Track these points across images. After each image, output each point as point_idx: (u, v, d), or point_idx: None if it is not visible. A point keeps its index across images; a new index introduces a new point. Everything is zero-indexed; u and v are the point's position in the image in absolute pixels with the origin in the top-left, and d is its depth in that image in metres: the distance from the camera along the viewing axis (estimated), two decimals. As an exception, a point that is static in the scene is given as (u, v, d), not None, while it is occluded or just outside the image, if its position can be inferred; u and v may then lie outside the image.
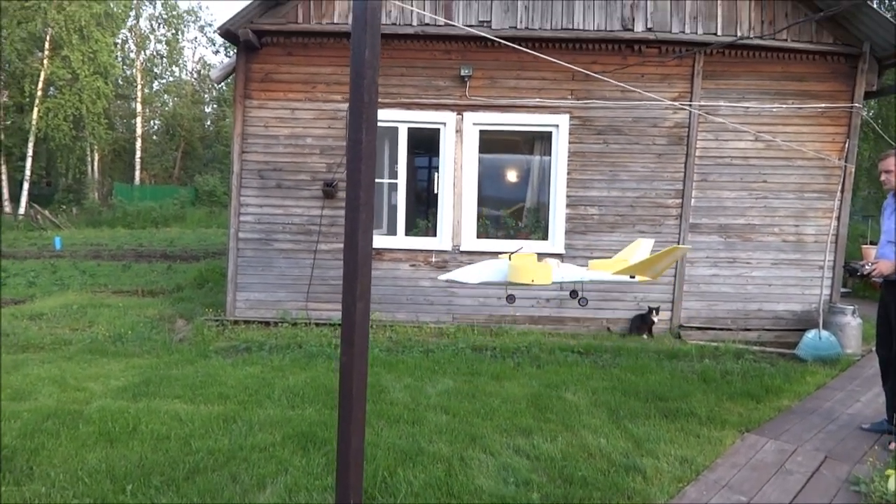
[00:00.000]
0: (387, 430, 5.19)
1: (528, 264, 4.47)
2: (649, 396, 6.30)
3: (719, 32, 8.86)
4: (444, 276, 4.96)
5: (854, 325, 8.45)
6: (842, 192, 9.05)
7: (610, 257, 8.96)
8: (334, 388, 6.14)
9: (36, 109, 31.17)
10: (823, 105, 8.95)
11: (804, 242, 9.17)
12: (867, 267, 5.13)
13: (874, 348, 5.83)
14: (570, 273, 4.78)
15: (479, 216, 9.43)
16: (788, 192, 9.13)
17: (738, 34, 8.84)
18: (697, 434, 5.28)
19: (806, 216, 9.15)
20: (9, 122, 32.94)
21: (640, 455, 4.81)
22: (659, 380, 6.88)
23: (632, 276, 4.76)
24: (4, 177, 32.76)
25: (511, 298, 5.96)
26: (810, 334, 8.25)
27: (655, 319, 8.94)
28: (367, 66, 2.23)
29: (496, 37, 8.36)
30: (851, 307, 8.60)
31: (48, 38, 31.49)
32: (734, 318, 9.22)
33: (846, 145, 8.98)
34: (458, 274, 4.89)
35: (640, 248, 5.06)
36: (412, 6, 8.83)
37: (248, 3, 8.65)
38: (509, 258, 4.53)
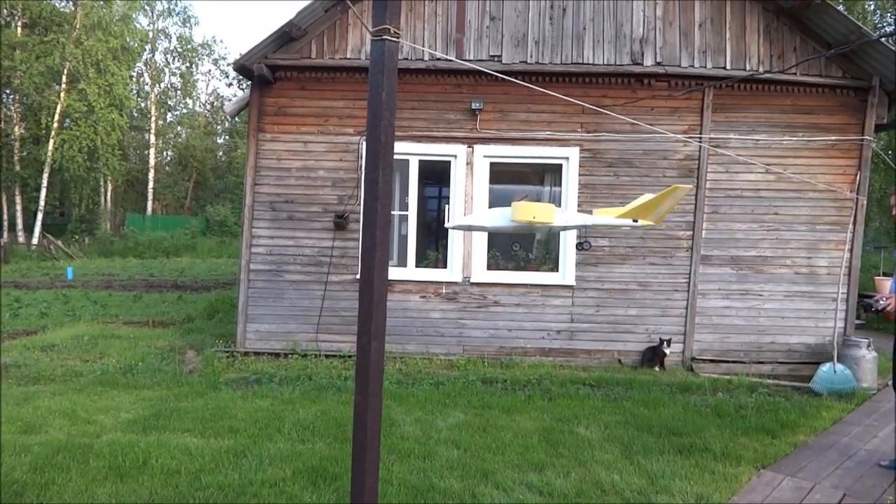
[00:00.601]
0: (398, 466, 5.15)
1: (530, 204, 4.49)
2: (663, 431, 6.22)
3: (728, 66, 8.93)
4: (450, 224, 4.97)
5: (869, 358, 8.34)
6: (854, 223, 9.02)
7: (622, 290, 8.99)
8: (345, 421, 6.12)
9: (52, 141, 31.66)
10: (834, 138, 8.97)
11: (817, 274, 9.12)
12: (882, 302, 5.10)
13: (890, 382, 5.76)
14: (574, 218, 4.80)
15: (489, 247, 9.44)
16: (800, 223, 9.10)
17: (748, 68, 8.91)
18: (712, 470, 5.20)
19: (818, 248, 9.11)
20: (25, 154, 33.43)
21: (655, 492, 4.74)
22: (672, 414, 6.81)
23: (635, 220, 4.75)
24: (19, 207, 33.16)
25: (516, 245, 6.01)
26: (825, 368, 8.16)
27: (667, 352, 8.87)
28: (385, 108, 2.26)
29: (507, 71, 8.50)
30: (866, 340, 8.50)
31: (65, 71, 32.11)
32: (747, 351, 9.14)
33: (857, 177, 8.97)
34: (467, 219, 4.92)
35: (644, 199, 5.10)
36: (424, 45, 8.97)
37: (263, 38, 8.81)
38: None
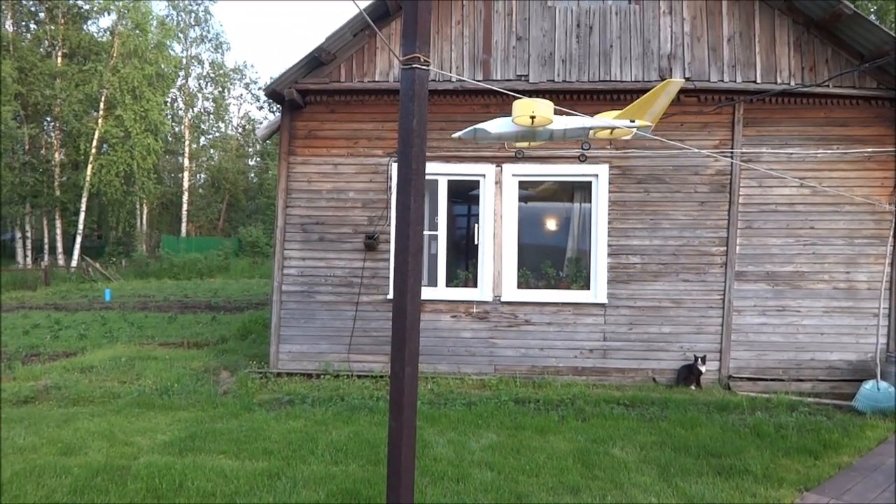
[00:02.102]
0: (431, 488, 5.13)
1: (529, 100, 4.68)
2: (700, 452, 6.10)
3: (759, 80, 8.84)
4: (457, 134, 5.15)
5: (914, 375, 8.10)
6: (894, 237, 8.80)
7: (655, 307, 8.90)
8: (378, 442, 6.12)
9: (90, 166, 32.54)
10: (870, 149, 8.80)
11: (856, 289, 8.91)
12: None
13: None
14: (574, 120, 4.95)
15: (520, 266, 9.41)
16: (837, 238, 8.92)
17: (778, 81, 8.81)
18: (753, 493, 5.09)
19: (857, 262, 8.91)
20: (64, 179, 34.37)
21: (694, 516, 4.64)
22: (710, 434, 6.67)
23: (632, 121, 4.85)
24: (59, 231, 34.03)
25: (519, 152, 6.15)
26: (868, 385, 7.93)
27: (703, 369, 8.71)
28: (416, 136, 2.28)
29: (534, 90, 8.53)
30: (910, 357, 8.27)
31: (103, 98, 33.04)
32: (786, 369, 8.94)
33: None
34: (474, 126, 5.13)
35: None
36: (452, 67, 9.04)
37: (293, 64, 8.97)
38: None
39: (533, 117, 4.84)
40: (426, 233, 9.58)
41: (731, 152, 8.89)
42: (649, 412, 7.59)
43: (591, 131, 5.21)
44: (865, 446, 6.39)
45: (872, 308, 8.83)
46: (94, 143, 32.79)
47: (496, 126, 5.16)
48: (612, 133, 5.39)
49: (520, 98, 5.06)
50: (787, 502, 4.93)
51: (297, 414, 7.34)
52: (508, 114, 8.99)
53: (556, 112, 5.03)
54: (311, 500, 4.81)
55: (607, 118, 5.05)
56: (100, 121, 33.03)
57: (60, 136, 34.10)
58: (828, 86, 8.70)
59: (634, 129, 5.14)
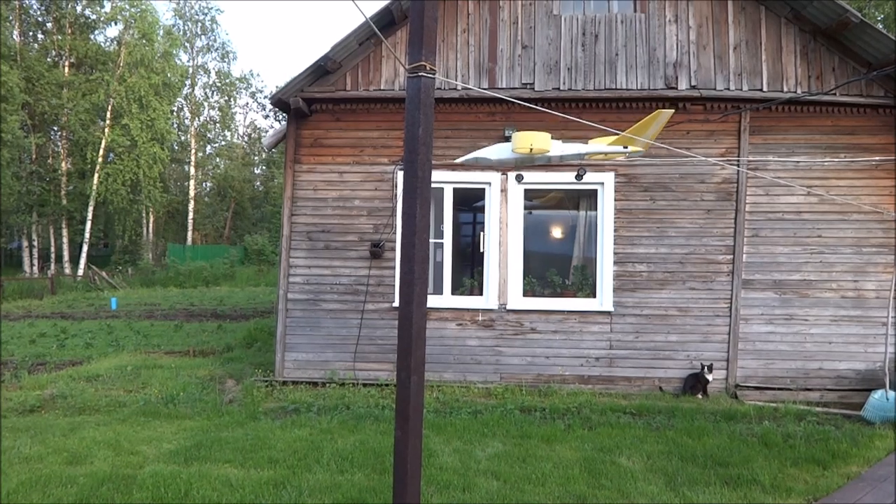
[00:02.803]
0: (437, 497, 5.10)
1: (528, 133, 4.94)
2: (708, 461, 6.06)
3: (765, 88, 8.82)
4: (461, 159, 5.32)
5: (923, 384, 8.03)
6: (902, 245, 8.76)
7: (662, 315, 8.89)
8: (383, 451, 6.10)
9: (96, 175, 32.71)
10: (878, 158, 8.76)
11: (865, 298, 8.86)
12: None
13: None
14: (570, 147, 5.10)
15: (525, 274, 9.40)
16: (845, 246, 8.87)
17: (785, 89, 8.80)
18: (761, 503, 5.04)
19: (865, 271, 8.86)
20: (71, 188, 34.56)
21: (702, 527, 4.60)
22: (717, 443, 6.62)
23: (625, 147, 4.97)
24: (66, 240, 34.19)
25: (519, 178, 6.33)
26: (877, 395, 7.87)
27: (710, 377, 8.66)
28: (421, 144, 2.28)
29: (539, 98, 8.55)
30: (919, 366, 8.20)
31: (110, 107, 33.26)
32: (793, 378, 8.88)
33: (904, 198, 8.73)
34: (472, 154, 5.29)
35: None
36: (458, 75, 9.06)
37: (299, 73, 9.00)
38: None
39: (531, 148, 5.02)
40: (432, 241, 9.58)
41: (738, 160, 8.87)
42: (656, 421, 7.54)
43: (586, 155, 5.35)
44: (874, 456, 6.33)
45: (881, 317, 8.77)
46: (101, 152, 32.98)
47: (496, 153, 5.38)
48: (605, 157, 5.51)
49: (526, 105, 5.13)
50: (797, 513, 4.88)
51: (302, 422, 7.32)
52: (514, 122, 9.08)
53: (554, 131, 5.16)
54: (317, 510, 4.79)
55: (602, 144, 5.24)
56: (106, 130, 33.24)
57: (67, 146, 34.32)
58: (835, 94, 8.68)
59: (627, 153, 5.27)
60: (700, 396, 8.64)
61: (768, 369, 8.93)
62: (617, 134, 5.60)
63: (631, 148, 4.98)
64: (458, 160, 5.61)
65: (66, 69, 33.58)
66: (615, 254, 9.08)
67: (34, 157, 32.85)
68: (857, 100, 8.72)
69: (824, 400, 8.67)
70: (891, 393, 7.82)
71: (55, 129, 34.69)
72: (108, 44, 36.70)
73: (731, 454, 6.26)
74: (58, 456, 6.01)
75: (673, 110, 5.31)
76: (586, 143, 5.40)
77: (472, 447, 6.46)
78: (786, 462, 6.06)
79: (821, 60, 8.81)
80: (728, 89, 8.88)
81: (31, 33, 34.49)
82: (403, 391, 2.42)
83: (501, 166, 6.27)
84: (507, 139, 9.00)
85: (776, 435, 6.89)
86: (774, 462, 6.05)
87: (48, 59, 33.49)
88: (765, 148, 8.96)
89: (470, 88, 8.56)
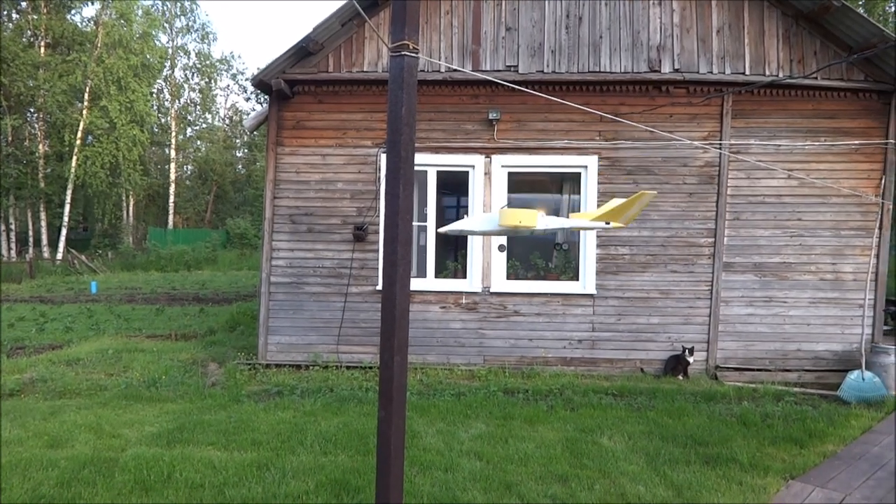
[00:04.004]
0: (420, 478, 5.13)
1: (516, 210, 4.91)
2: (688, 441, 6.15)
3: (748, 72, 8.86)
4: (443, 229, 5.40)
5: (898, 365, 8.19)
6: (880, 228, 8.88)
7: (644, 298, 8.97)
8: (367, 433, 6.12)
9: (75, 158, 32.22)
10: (857, 142, 8.85)
11: (842, 281, 8.98)
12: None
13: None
14: (554, 222, 5.21)
15: (509, 257, 9.42)
16: (824, 229, 8.98)
17: (767, 73, 8.84)
18: (740, 481, 5.13)
19: (843, 254, 8.97)
20: (49, 171, 34.03)
21: (682, 504, 4.68)
22: (697, 423, 6.72)
23: (607, 223, 5.08)
24: (44, 223, 33.72)
25: (502, 248, 6.50)
26: (853, 375, 8.01)
27: (691, 360, 8.77)
28: (404, 123, 2.27)
29: (523, 81, 8.52)
30: (895, 346, 8.35)
31: (87, 89, 32.70)
32: (772, 359, 9.01)
33: (882, 181, 8.84)
34: (458, 224, 5.34)
35: (613, 204, 5.43)
36: (441, 57, 9.00)
37: (280, 54, 8.90)
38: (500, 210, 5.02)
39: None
40: (415, 224, 9.56)
41: (720, 144, 8.92)
42: (637, 402, 7.63)
43: (570, 228, 5.46)
44: (850, 435, 6.46)
45: (858, 299, 8.91)
46: (79, 134, 32.48)
47: (481, 224, 5.44)
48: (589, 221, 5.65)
49: (510, 87, 5.11)
50: (773, 490, 4.97)
51: (285, 405, 7.32)
52: (497, 105, 9.06)
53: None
54: (301, 491, 4.81)
55: (585, 220, 5.35)
56: (84, 112, 32.71)
57: (44, 128, 33.76)
58: (816, 78, 8.74)
59: (609, 227, 5.37)
60: (681, 378, 8.75)
61: (748, 351, 9.05)
62: (599, 115, 5.64)
63: (613, 224, 5.11)
64: (442, 230, 5.63)
65: (42, 50, 32.91)
66: (598, 237, 9.12)
67: (10, 139, 32.27)
68: (837, 84, 8.78)
69: (802, 380, 8.81)
70: (867, 373, 7.97)
71: (31, 110, 34.07)
72: (84, 24, 36.08)
73: (711, 434, 6.35)
74: (38, 439, 5.97)
75: (655, 192, 5.39)
76: (569, 218, 5.53)
77: (456, 428, 6.50)
78: (764, 441, 6.16)
79: (802, 44, 8.86)
80: (711, 72, 8.90)
81: (5, 12, 33.72)
82: (387, 372, 2.43)
83: (484, 235, 6.36)
84: (491, 122, 9.05)
85: (755, 415, 7.00)
86: (753, 441, 6.15)
87: (23, 40, 32.77)
88: (747, 131, 9.01)
89: (455, 70, 8.50)
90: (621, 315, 9.12)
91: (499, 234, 5.62)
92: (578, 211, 9.27)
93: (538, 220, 4.90)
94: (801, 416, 7.01)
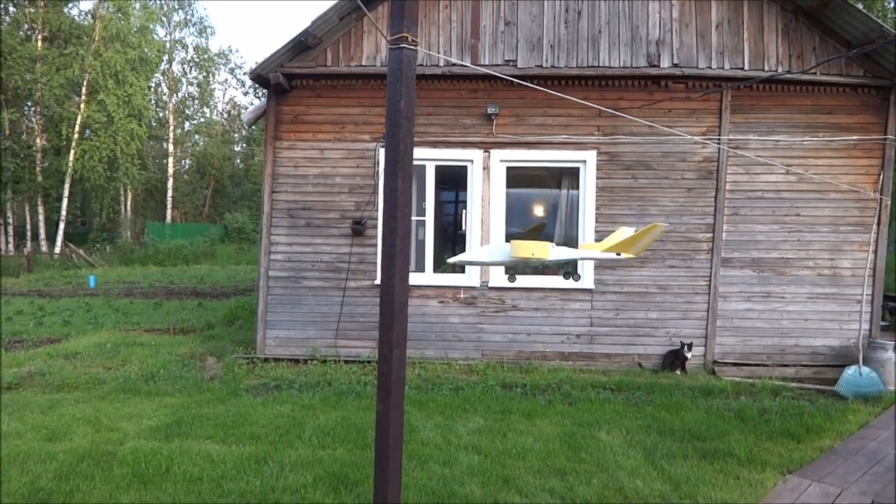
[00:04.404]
0: (418, 472, 5.14)
1: (528, 243, 4.99)
2: (685, 436, 6.16)
3: (746, 67, 8.85)
4: (452, 259, 5.42)
5: (895, 360, 8.20)
6: (878, 224, 8.88)
7: (642, 293, 8.96)
8: (365, 427, 6.13)
9: (72, 152, 32.12)
10: (856, 137, 8.85)
11: (840, 276, 9.00)
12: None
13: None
14: (564, 253, 5.23)
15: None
16: (822, 225, 8.99)
17: (766, 68, 8.83)
18: (737, 476, 5.14)
19: (841, 249, 8.98)
20: (46, 165, 33.93)
21: (679, 498, 4.70)
22: (695, 418, 6.74)
23: (618, 254, 5.13)
24: (42, 217, 33.64)
25: (512, 278, 6.64)
26: (850, 371, 8.04)
27: (688, 355, 8.78)
28: (403, 116, 2.26)
29: (522, 76, 8.50)
30: (892, 342, 8.37)
31: (85, 83, 32.57)
32: (770, 354, 9.03)
33: (880, 177, 8.84)
34: (467, 255, 5.34)
35: (623, 234, 5.55)
36: (440, 51, 8.98)
37: (279, 48, 8.87)
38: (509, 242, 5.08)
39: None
40: (414, 218, 9.55)
41: (719, 139, 8.91)
42: (635, 397, 7.65)
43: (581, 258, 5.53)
44: (847, 430, 6.47)
45: (856, 294, 8.92)
46: (77, 128, 32.36)
47: (492, 255, 5.48)
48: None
49: (509, 81, 5.11)
50: (770, 484, 4.98)
51: (284, 399, 7.33)
52: (496, 100, 9.05)
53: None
54: (299, 484, 4.81)
55: (596, 251, 5.41)
56: (82, 105, 32.58)
57: (42, 121, 33.63)
58: (815, 73, 8.73)
59: (620, 259, 5.42)
60: (678, 373, 8.76)
61: (745, 346, 9.07)
62: (598, 110, 5.64)
63: (623, 255, 5.15)
64: (451, 260, 5.72)
65: (39, 43, 32.75)
66: (596, 231, 9.12)
67: (7, 132, 32.13)
68: (836, 79, 8.78)
69: (799, 376, 8.83)
70: (864, 369, 7.99)
71: (29, 104, 33.92)
72: (82, 17, 35.91)
73: (708, 428, 6.36)
74: (36, 433, 5.97)
75: (666, 224, 5.42)
76: (580, 248, 5.60)
77: (454, 422, 6.51)
78: (761, 436, 6.18)
79: (802, 40, 8.85)
80: (710, 68, 8.89)
81: (1, 5, 33.56)
82: (385, 365, 2.43)
83: (494, 265, 6.46)
84: (489, 117, 9.03)
85: (752, 410, 7.02)
86: (750, 436, 6.16)
87: (20, 33, 32.59)
88: (746, 127, 9.01)
89: (454, 64, 8.49)
90: (619, 310, 9.13)
91: (510, 264, 5.70)
92: (577, 208, 9.27)
93: (550, 251, 4.98)
94: (799, 411, 7.03)
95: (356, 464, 5.22)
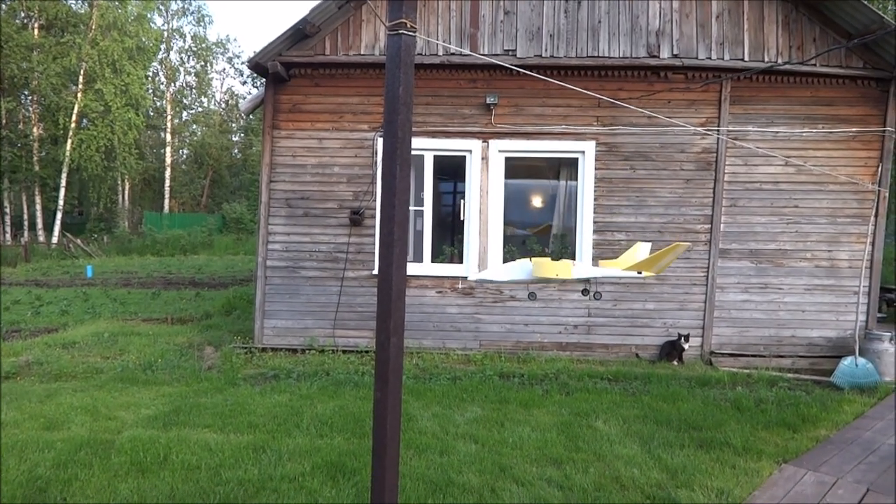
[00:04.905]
0: (415, 460, 5.16)
1: (551, 262, 5.05)
2: (682, 425, 6.18)
3: (746, 58, 8.82)
4: (474, 277, 5.45)
5: (892, 351, 8.22)
6: (875, 216, 8.88)
7: (640, 284, 8.94)
8: (363, 416, 6.14)
9: (69, 141, 31.97)
10: (855, 129, 8.85)
11: (838, 268, 9.01)
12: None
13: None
14: (586, 271, 5.27)
15: (506, 242, 9.42)
16: (820, 216, 8.99)
17: (766, 59, 8.81)
18: (733, 465, 5.17)
19: (839, 241, 8.99)
20: (43, 154, 33.79)
21: (675, 487, 4.71)
22: (691, 408, 6.76)
23: (639, 272, 5.19)
24: (39, 207, 33.54)
25: (532, 296, 6.75)
26: (846, 361, 8.06)
27: (686, 346, 8.80)
28: (401, 103, 2.25)
29: (521, 65, 8.47)
30: (889, 333, 8.39)
31: (82, 72, 32.39)
32: (767, 345, 9.05)
33: (879, 169, 8.84)
34: (488, 273, 5.38)
35: (640, 251, 5.59)
36: (439, 40, 8.95)
37: (277, 36, 8.83)
38: (530, 259, 5.20)
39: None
40: (412, 208, 9.55)
41: (718, 130, 8.90)
42: (632, 387, 7.67)
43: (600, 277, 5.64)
44: (843, 420, 6.50)
45: (853, 286, 8.94)
46: (74, 117, 32.19)
47: (513, 274, 5.48)
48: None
49: (511, 68, 5.09)
50: (766, 474, 5.01)
51: (282, 388, 7.34)
52: (496, 90, 9.03)
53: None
54: (297, 473, 4.83)
55: (617, 268, 5.44)
56: (79, 95, 32.41)
57: (38, 110, 33.45)
58: (814, 64, 8.71)
59: (641, 277, 5.48)
60: (675, 363, 8.79)
61: (742, 337, 9.09)
62: (597, 100, 5.64)
63: (644, 273, 5.20)
64: (472, 277, 5.89)
65: (36, 31, 32.54)
66: (595, 222, 9.12)
67: (4, 122, 31.99)
68: (836, 70, 8.76)
69: (796, 366, 8.86)
70: (860, 360, 8.01)
71: (25, 93, 33.73)
72: (79, 5, 35.59)
73: (705, 418, 6.39)
74: (34, 422, 5.98)
75: (689, 243, 5.44)
76: (600, 266, 5.69)
77: (451, 412, 6.52)
78: (757, 426, 6.20)
79: (802, 31, 8.82)
80: (710, 58, 8.87)
81: (-2, -6, 33.38)
82: (383, 353, 2.43)
83: (516, 283, 6.90)
84: (488, 107, 9.02)
85: (748, 400, 7.04)
86: (746, 426, 6.18)
87: (16, 21, 32.38)
88: (745, 118, 8.99)
89: (453, 53, 8.45)
90: (617, 301, 9.14)
91: (532, 283, 5.82)
92: (576, 199, 9.27)
93: (572, 270, 5.03)
94: (795, 401, 7.05)
95: (354, 453, 5.23)
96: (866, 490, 4.68)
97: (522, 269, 5.34)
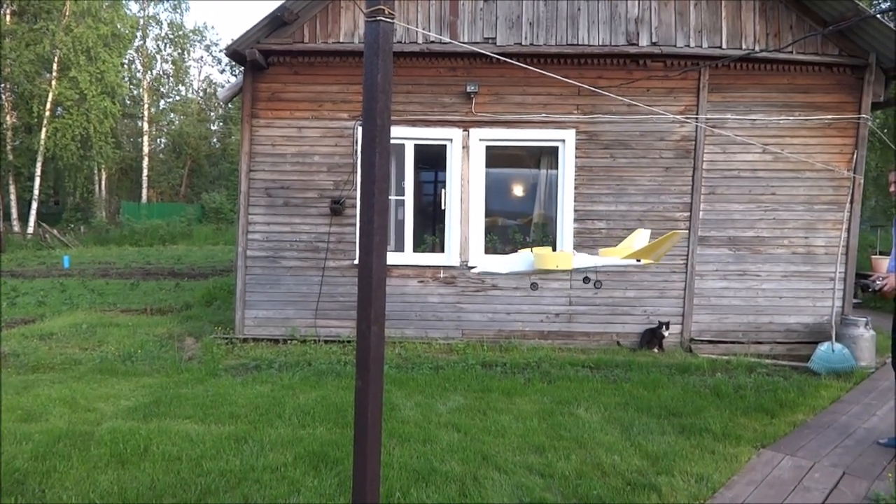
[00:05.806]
0: (398, 450, 5.16)
1: (551, 253, 5.09)
2: (662, 412, 6.25)
3: (724, 46, 8.87)
4: (476, 270, 5.50)
5: (867, 336, 8.37)
6: (851, 202, 9.01)
7: (620, 272, 8.98)
8: (345, 406, 6.14)
9: (44, 130, 31.41)
10: (831, 116, 8.94)
11: (814, 254, 9.13)
12: (878, 282, 5.11)
13: (889, 360, 5.77)
14: (586, 260, 5.31)
15: (487, 231, 9.43)
16: (797, 203, 9.10)
17: (744, 47, 8.86)
18: (712, 450, 5.23)
19: (815, 228, 9.11)
20: (17, 143, 33.19)
21: (655, 473, 4.76)
22: (671, 395, 6.83)
23: (638, 260, 5.28)
24: (14, 196, 32.98)
25: (534, 286, 6.85)
26: (823, 347, 8.19)
27: (666, 333, 8.89)
28: (380, 91, 2.23)
29: (501, 53, 8.44)
30: (864, 319, 8.53)
31: (56, 59, 31.79)
32: (745, 332, 9.17)
33: (854, 156, 8.95)
34: (489, 265, 5.40)
35: (639, 237, 5.63)
36: (418, 27, 8.89)
37: (255, 23, 8.73)
38: (531, 250, 5.20)
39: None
40: (393, 198, 9.52)
41: (697, 118, 8.95)
42: (613, 374, 7.73)
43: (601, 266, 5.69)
44: (820, 405, 6.60)
45: (829, 272, 9.07)
46: (48, 105, 31.61)
47: (514, 265, 5.50)
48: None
49: (490, 55, 5.07)
50: (745, 458, 5.08)
51: (263, 379, 7.31)
52: (476, 78, 9.01)
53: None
54: (279, 463, 4.81)
55: (616, 257, 5.46)
56: (53, 82, 31.81)
57: (11, 99, 32.80)
58: (791, 52, 8.79)
59: (640, 265, 5.52)
60: (656, 350, 8.87)
61: (722, 323, 9.19)
62: (577, 87, 5.65)
63: (643, 261, 5.25)
64: (475, 270, 6.09)
65: (8, 18, 31.83)
66: (575, 211, 9.15)
67: (-24, 110, 31.40)
68: (812, 58, 8.84)
69: (774, 352, 8.98)
70: (836, 345, 8.14)
71: (-2, 81, 33.11)
72: (52, -9, 34.89)
73: (685, 405, 6.46)
74: (11, 413, 5.89)
75: (685, 231, 5.48)
76: (600, 255, 5.68)
77: (434, 401, 6.53)
78: (736, 411, 6.28)
79: (779, 18, 8.88)
80: (688, 46, 8.91)
81: (-32, -22, 32.60)
82: (364, 342, 2.42)
83: (517, 275, 7.03)
84: (468, 95, 9.00)
85: (727, 386, 7.13)
86: (725, 411, 6.26)
87: (-12, 7, 31.74)
88: (723, 106, 9.05)
89: (432, 41, 8.40)
90: (598, 289, 9.19)
91: (533, 274, 5.92)
92: (556, 188, 9.29)
93: (573, 261, 5.08)
94: (773, 386, 7.15)
95: (336, 442, 5.23)
96: (842, 473, 4.76)
97: (524, 260, 5.37)
